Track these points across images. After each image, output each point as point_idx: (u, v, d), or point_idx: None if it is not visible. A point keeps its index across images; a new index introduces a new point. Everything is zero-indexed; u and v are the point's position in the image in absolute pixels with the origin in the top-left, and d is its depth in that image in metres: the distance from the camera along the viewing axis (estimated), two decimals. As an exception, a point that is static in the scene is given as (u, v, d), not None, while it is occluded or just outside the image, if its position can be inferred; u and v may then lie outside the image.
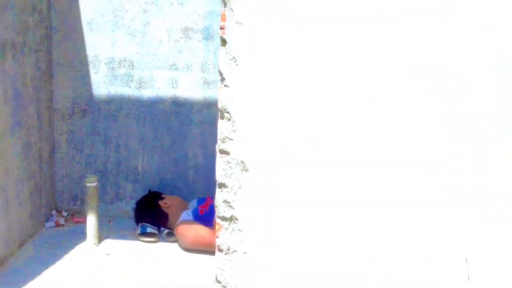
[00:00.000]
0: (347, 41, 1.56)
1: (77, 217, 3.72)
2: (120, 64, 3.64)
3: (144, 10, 3.58)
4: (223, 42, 1.57)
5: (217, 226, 1.68)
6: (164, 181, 3.77)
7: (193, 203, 3.57)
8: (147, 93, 3.67)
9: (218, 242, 1.68)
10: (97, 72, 3.65)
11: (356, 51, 1.57)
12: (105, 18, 3.60)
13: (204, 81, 3.65)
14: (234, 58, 1.54)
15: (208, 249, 3.31)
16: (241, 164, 1.60)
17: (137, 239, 3.47)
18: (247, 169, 1.60)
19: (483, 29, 1.57)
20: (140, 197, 3.71)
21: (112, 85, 3.67)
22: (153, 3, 3.58)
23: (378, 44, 1.57)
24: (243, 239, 1.65)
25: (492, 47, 1.58)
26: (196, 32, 3.60)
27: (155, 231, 3.50)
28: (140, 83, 3.66)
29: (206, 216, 3.43)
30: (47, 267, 3.03)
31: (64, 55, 3.62)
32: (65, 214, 3.74)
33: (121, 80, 3.66)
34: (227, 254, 1.68)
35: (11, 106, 3.02)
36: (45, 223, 3.58)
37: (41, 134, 3.48)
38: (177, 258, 3.26)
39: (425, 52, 1.59)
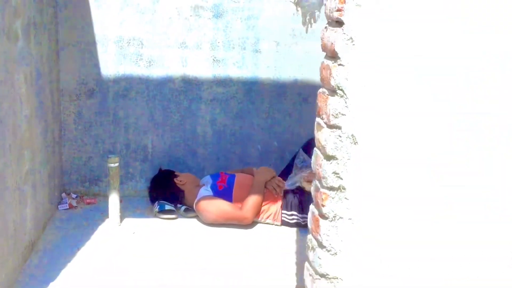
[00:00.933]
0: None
1: (88, 198, 3.70)
2: (129, 42, 3.61)
3: (153, -13, 3.56)
4: (339, 23, 1.68)
5: (323, 196, 1.81)
6: (174, 159, 3.82)
7: (207, 179, 3.64)
8: (157, 72, 3.67)
9: (324, 210, 1.81)
10: (105, 51, 3.60)
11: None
12: (113, -4, 3.54)
13: (213, 59, 3.70)
14: (351, 38, 1.65)
15: (230, 222, 3.43)
16: (351, 137, 1.73)
17: (156, 217, 3.51)
18: (356, 142, 1.73)
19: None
20: (151, 176, 3.74)
21: (121, 64, 3.63)
22: (162, -20, 3.56)
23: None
24: (349, 207, 1.78)
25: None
26: (206, 10, 3.63)
27: (173, 208, 3.56)
28: (149, 62, 3.65)
29: (225, 191, 3.53)
30: (78, 248, 3.03)
31: (71, 33, 3.54)
32: (73, 196, 3.70)
33: (130, 59, 3.63)
34: (333, 221, 1.81)
35: (35, 88, 2.95)
36: (58, 206, 3.54)
37: (53, 116, 3.42)
38: (198, 233, 3.34)
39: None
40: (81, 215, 3.50)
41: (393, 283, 1.82)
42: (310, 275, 1.94)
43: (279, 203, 3.50)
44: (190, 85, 3.72)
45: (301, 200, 3.48)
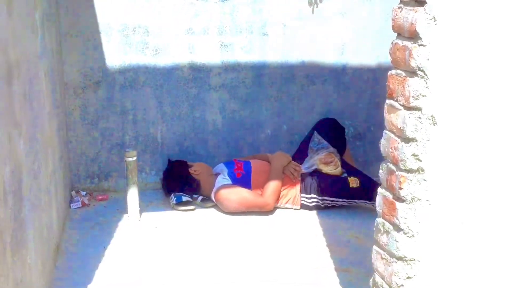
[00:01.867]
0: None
1: (99, 195, 3.57)
2: (134, 31, 3.47)
3: (157, -28, 3.42)
4: (420, 2, 1.64)
5: (401, 179, 1.79)
6: (184, 148, 3.72)
7: (222, 168, 3.57)
8: (164, 60, 3.55)
9: (402, 193, 1.80)
10: (109, 41, 3.45)
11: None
12: (115, -17, 3.38)
13: (221, 44, 3.61)
14: (434, 17, 1.62)
15: (251, 209, 3.38)
16: (431, 118, 1.71)
17: (174, 209, 3.43)
18: (435, 123, 1.72)
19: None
20: (162, 168, 3.64)
21: (126, 54, 3.49)
22: (165, -35, 3.42)
23: None
24: (427, 188, 1.78)
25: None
26: (212, -6, 3.52)
27: (190, 199, 3.48)
28: (155, 50, 3.53)
29: (244, 178, 3.48)
30: (105, 247, 2.92)
31: (73, 23, 3.37)
32: (83, 193, 3.56)
33: (136, 48, 3.50)
34: (411, 203, 1.80)
35: (51, 83, 2.80)
36: (71, 205, 3.40)
37: (62, 111, 3.26)
38: (220, 222, 3.29)
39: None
40: (96, 212, 3.37)
41: (471, 264, 1.83)
42: (383, 258, 1.93)
43: (298, 187, 3.48)
44: (198, 72, 3.62)
45: (319, 182, 3.47)
